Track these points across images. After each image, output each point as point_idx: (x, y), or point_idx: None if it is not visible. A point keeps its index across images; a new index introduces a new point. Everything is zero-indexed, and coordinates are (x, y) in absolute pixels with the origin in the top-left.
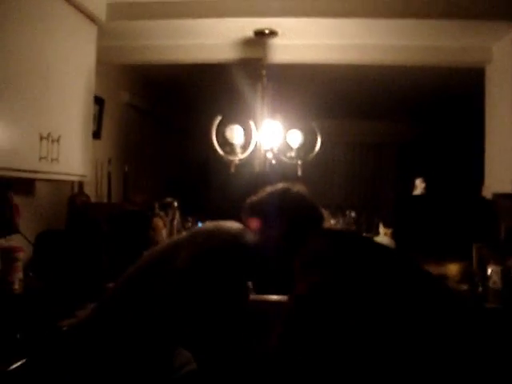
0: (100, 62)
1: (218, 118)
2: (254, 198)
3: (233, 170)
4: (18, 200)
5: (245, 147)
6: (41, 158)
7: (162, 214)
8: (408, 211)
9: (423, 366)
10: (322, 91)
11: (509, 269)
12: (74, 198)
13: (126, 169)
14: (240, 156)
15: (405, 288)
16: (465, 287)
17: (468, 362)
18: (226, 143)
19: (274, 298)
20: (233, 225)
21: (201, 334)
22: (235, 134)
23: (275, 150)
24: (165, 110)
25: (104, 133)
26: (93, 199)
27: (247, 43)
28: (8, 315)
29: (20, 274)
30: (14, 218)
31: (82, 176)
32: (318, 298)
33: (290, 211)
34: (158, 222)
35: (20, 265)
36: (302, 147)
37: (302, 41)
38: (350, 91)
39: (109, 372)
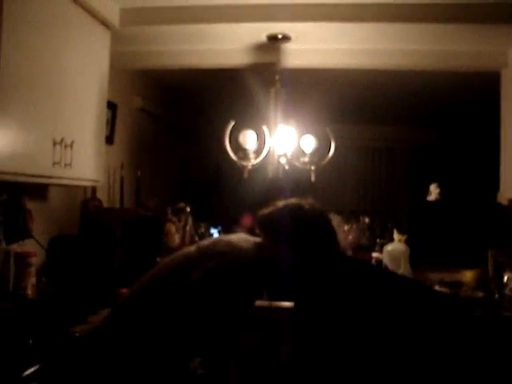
0: (113, 67)
1: (231, 123)
2: (265, 212)
3: (246, 175)
4: (31, 205)
5: (258, 152)
6: (54, 164)
7: (174, 219)
8: (423, 217)
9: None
10: (334, 96)
11: None
12: (86, 202)
13: (139, 174)
14: (253, 161)
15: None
16: (480, 294)
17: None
18: (239, 148)
19: (288, 304)
20: (243, 240)
21: (209, 343)
22: (248, 139)
23: (288, 155)
24: (177, 115)
25: (117, 138)
26: (105, 204)
27: (260, 48)
28: (21, 321)
29: (33, 279)
30: (27, 223)
31: (94, 181)
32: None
33: (301, 227)
34: (171, 228)
35: (33, 270)
36: (316, 152)
37: (315, 45)
38: (363, 96)
39: (122, 379)
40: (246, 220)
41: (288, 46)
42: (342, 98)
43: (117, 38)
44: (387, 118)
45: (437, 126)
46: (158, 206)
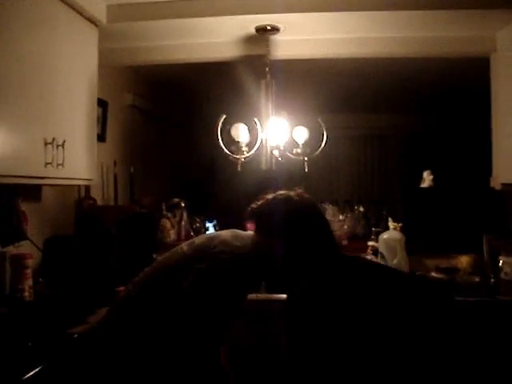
0: (102, 64)
1: (223, 117)
2: (254, 206)
3: (239, 168)
4: (25, 206)
5: (250, 145)
6: (46, 164)
7: (169, 214)
8: (417, 204)
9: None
10: (325, 86)
11: None
12: (80, 201)
13: (132, 170)
14: (246, 154)
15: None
16: (476, 279)
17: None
18: (231, 142)
19: (285, 297)
20: (235, 237)
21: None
22: (240, 132)
23: (281, 147)
24: (169, 111)
25: (109, 135)
26: (99, 202)
27: (249, 40)
28: (19, 324)
29: (30, 281)
30: (21, 225)
31: (88, 180)
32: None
33: (291, 220)
34: (166, 223)
35: (30, 272)
36: (308, 143)
37: (304, 36)
38: (354, 85)
39: (120, 378)
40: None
41: (277, 38)
42: (333, 88)
43: (105, 35)
44: (379, 106)
45: (428, 112)
46: (152, 203)
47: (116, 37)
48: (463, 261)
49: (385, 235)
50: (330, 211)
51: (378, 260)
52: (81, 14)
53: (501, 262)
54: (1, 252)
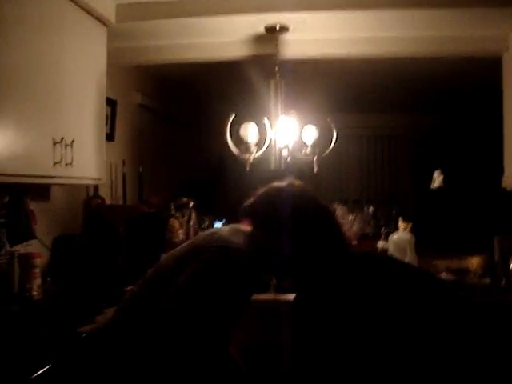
0: (111, 63)
1: (232, 116)
2: (247, 202)
3: (248, 168)
4: (33, 206)
5: (259, 145)
6: (55, 163)
7: (178, 214)
8: (427, 205)
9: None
10: (335, 85)
11: None
12: (89, 201)
13: (141, 170)
14: (255, 154)
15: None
16: (487, 281)
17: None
18: (240, 141)
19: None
20: (234, 233)
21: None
22: (249, 131)
23: (290, 147)
24: (177, 110)
25: (117, 134)
26: (108, 201)
27: (258, 40)
28: (27, 322)
29: (38, 280)
30: (30, 224)
31: (96, 179)
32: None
33: (282, 213)
34: (175, 223)
35: (38, 271)
36: (317, 143)
37: (313, 35)
38: (364, 84)
39: (125, 378)
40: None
41: (286, 37)
42: (343, 87)
43: (114, 34)
44: (389, 105)
45: (439, 112)
46: (161, 202)
47: (125, 36)
48: (474, 262)
49: (394, 236)
50: (339, 211)
51: None
52: (90, 14)
53: None
54: (10, 251)
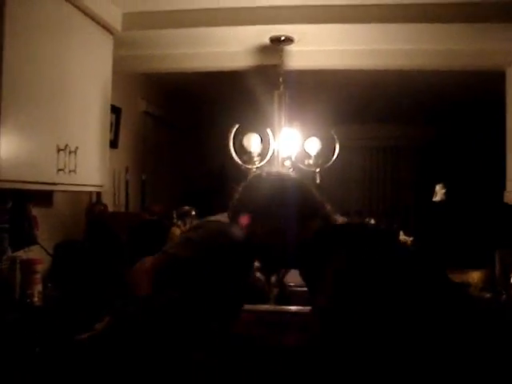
0: (116, 71)
1: (235, 127)
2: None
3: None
4: (36, 211)
5: (262, 155)
6: (58, 170)
7: (179, 222)
8: (429, 218)
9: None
10: (338, 97)
11: None
12: (91, 207)
13: (144, 177)
14: (257, 164)
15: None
16: (488, 295)
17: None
18: (243, 152)
19: (293, 309)
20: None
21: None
22: (252, 142)
23: (293, 157)
24: (181, 118)
25: (121, 142)
26: (111, 208)
27: (263, 50)
28: (27, 328)
29: (39, 286)
30: (32, 230)
31: (99, 186)
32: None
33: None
34: (176, 231)
35: (39, 277)
36: (320, 154)
37: (318, 47)
38: (367, 96)
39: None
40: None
41: (291, 48)
42: (346, 99)
43: (120, 43)
44: (392, 116)
45: (442, 124)
46: (163, 210)
47: (131, 44)
48: (475, 276)
49: None
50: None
51: None
52: (96, 22)
53: None
54: (11, 257)
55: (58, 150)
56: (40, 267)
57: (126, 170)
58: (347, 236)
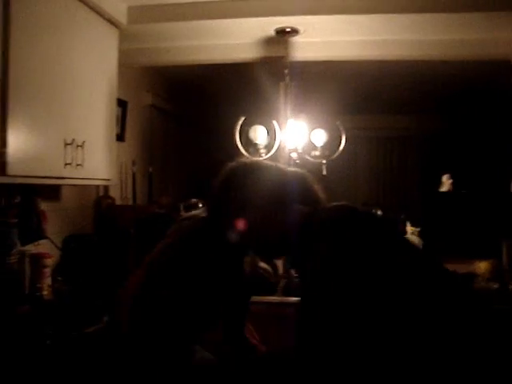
0: (122, 64)
1: (242, 119)
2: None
3: None
4: (44, 206)
5: (268, 147)
6: (66, 165)
7: None
8: (435, 209)
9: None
10: (345, 87)
11: None
12: (99, 201)
13: (151, 170)
14: (264, 156)
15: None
16: (495, 286)
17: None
18: (249, 143)
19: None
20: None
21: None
22: (258, 134)
23: (299, 149)
24: (188, 111)
25: (128, 135)
26: (118, 202)
27: (269, 42)
28: (37, 322)
29: (48, 280)
30: (41, 224)
31: (106, 180)
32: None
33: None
34: None
35: (48, 271)
36: (327, 146)
37: (323, 38)
38: (373, 86)
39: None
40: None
41: (296, 40)
42: (352, 89)
43: (125, 36)
44: (398, 107)
45: (448, 114)
46: (170, 203)
47: (136, 38)
48: (482, 266)
49: None
50: None
51: None
52: (101, 16)
53: None
54: (20, 251)
55: (66, 145)
56: (49, 261)
57: (133, 163)
58: (333, 222)
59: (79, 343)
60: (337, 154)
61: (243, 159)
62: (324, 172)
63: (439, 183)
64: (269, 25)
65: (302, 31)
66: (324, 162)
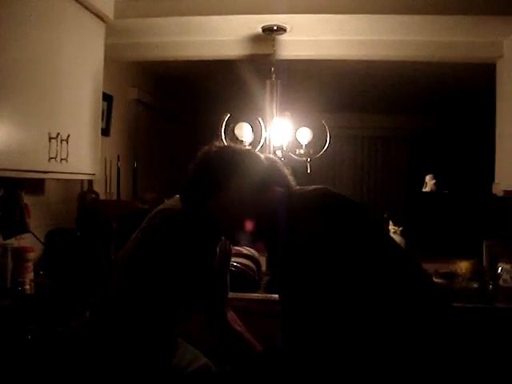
0: (108, 59)
1: (227, 115)
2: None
3: None
4: (27, 199)
5: (254, 145)
6: (50, 159)
7: None
8: (418, 208)
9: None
10: (330, 86)
11: None
12: (83, 195)
13: (135, 165)
14: None
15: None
16: (475, 285)
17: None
18: (234, 140)
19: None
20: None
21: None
22: (244, 131)
23: (284, 147)
24: (173, 107)
25: (113, 129)
26: (102, 196)
27: (255, 40)
28: (19, 316)
29: (31, 274)
30: (24, 218)
31: (91, 175)
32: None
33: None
34: None
35: (31, 265)
36: (311, 144)
37: (310, 37)
38: (359, 86)
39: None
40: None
41: (283, 38)
42: (338, 88)
43: (111, 30)
44: (384, 106)
45: (433, 115)
46: (154, 199)
47: (123, 32)
48: (462, 266)
49: None
50: None
51: None
52: (88, 9)
53: (500, 268)
54: (3, 244)
55: (50, 139)
56: (32, 255)
57: (118, 158)
58: (315, 205)
59: (61, 338)
60: (321, 152)
61: (218, 144)
62: (309, 170)
63: (423, 183)
64: (256, 22)
65: (288, 29)
66: (309, 160)
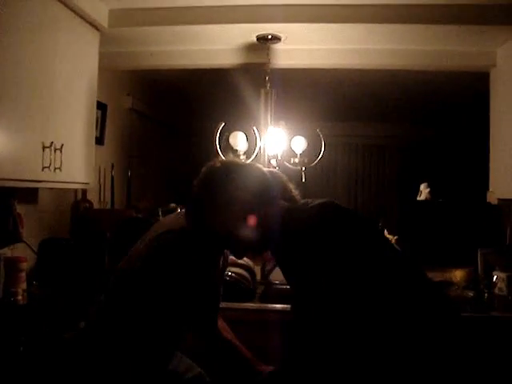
0: (102, 67)
1: (221, 124)
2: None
3: None
4: (21, 209)
5: (248, 154)
6: (44, 168)
7: None
8: (413, 217)
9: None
10: (325, 95)
11: None
12: (77, 204)
13: (129, 174)
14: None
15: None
16: (470, 294)
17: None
18: (229, 149)
19: (278, 307)
20: (177, 217)
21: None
22: (238, 140)
23: (279, 156)
24: (168, 115)
25: (107, 138)
26: (96, 205)
27: (250, 48)
28: (11, 327)
29: (24, 285)
30: (17, 227)
31: (84, 184)
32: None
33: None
34: None
35: (23, 275)
36: (306, 153)
37: (305, 46)
38: (354, 94)
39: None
40: None
41: (278, 47)
42: (332, 97)
43: (106, 39)
44: (377, 116)
45: (427, 124)
46: (148, 207)
47: (117, 41)
48: (457, 275)
49: None
50: None
51: None
52: (83, 18)
53: (495, 277)
54: None
55: (44, 148)
56: (25, 265)
57: (112, 167)
58: (319, 219)
59: (54, 349)
60: (316, 161)
61: (221, 159)
62: (303, 179)
63: (417, 192)
64: (250, 31)
65: (283, 38)
66: (303, 169)
